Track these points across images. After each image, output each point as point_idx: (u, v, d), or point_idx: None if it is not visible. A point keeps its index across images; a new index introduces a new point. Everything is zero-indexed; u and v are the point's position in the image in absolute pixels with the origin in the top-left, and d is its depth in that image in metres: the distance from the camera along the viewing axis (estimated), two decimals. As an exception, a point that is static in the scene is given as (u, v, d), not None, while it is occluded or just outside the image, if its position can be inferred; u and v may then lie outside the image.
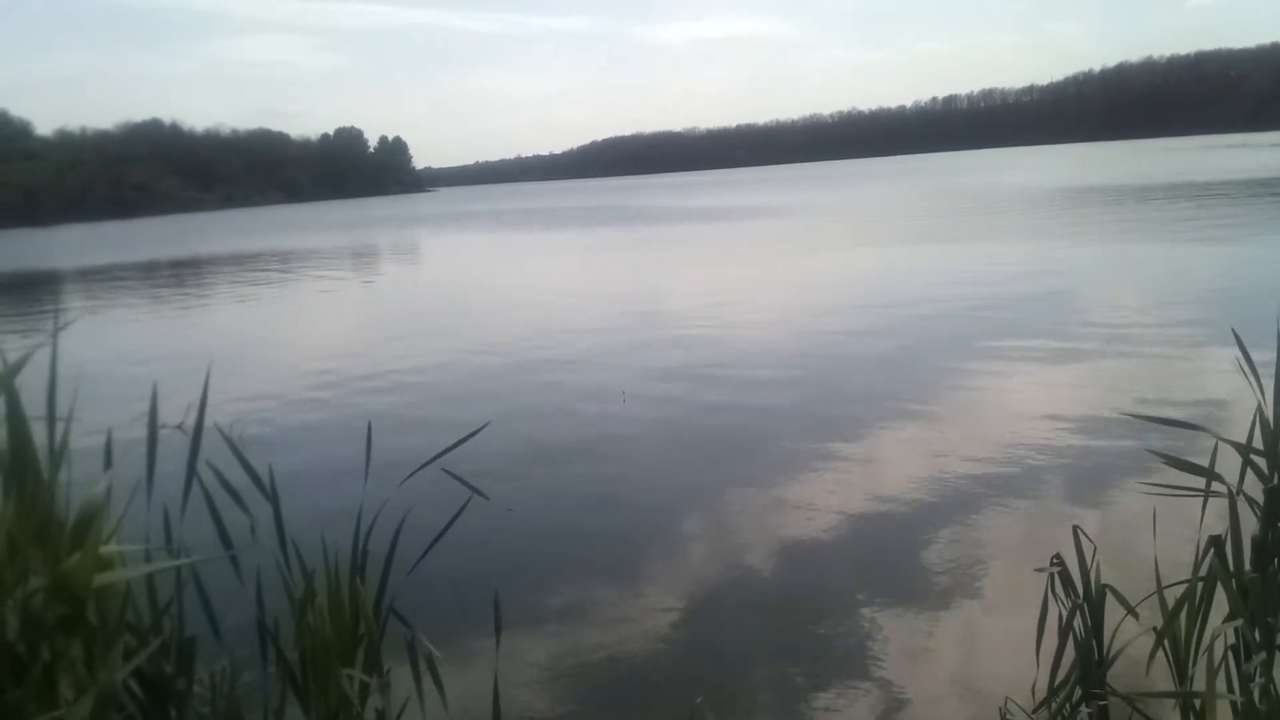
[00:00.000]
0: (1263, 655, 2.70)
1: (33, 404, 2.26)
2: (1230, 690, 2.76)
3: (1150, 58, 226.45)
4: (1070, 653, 2.96)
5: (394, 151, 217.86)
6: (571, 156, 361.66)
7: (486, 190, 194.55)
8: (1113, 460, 6.45)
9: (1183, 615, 2.85)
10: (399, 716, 2.96)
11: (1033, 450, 6.82)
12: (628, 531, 5.92)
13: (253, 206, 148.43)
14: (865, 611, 4.57)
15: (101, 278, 31.39)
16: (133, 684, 2.46)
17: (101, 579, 2.14)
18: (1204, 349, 9.56)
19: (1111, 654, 2.97)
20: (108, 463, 2.61)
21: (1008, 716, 3.38)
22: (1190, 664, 2.88)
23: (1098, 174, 55.99)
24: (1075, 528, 3.14)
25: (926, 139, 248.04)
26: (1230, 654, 2.84)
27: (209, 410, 2.76)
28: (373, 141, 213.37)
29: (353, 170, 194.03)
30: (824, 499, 6.17)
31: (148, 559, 2.52)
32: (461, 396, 10.07)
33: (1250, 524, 3.00)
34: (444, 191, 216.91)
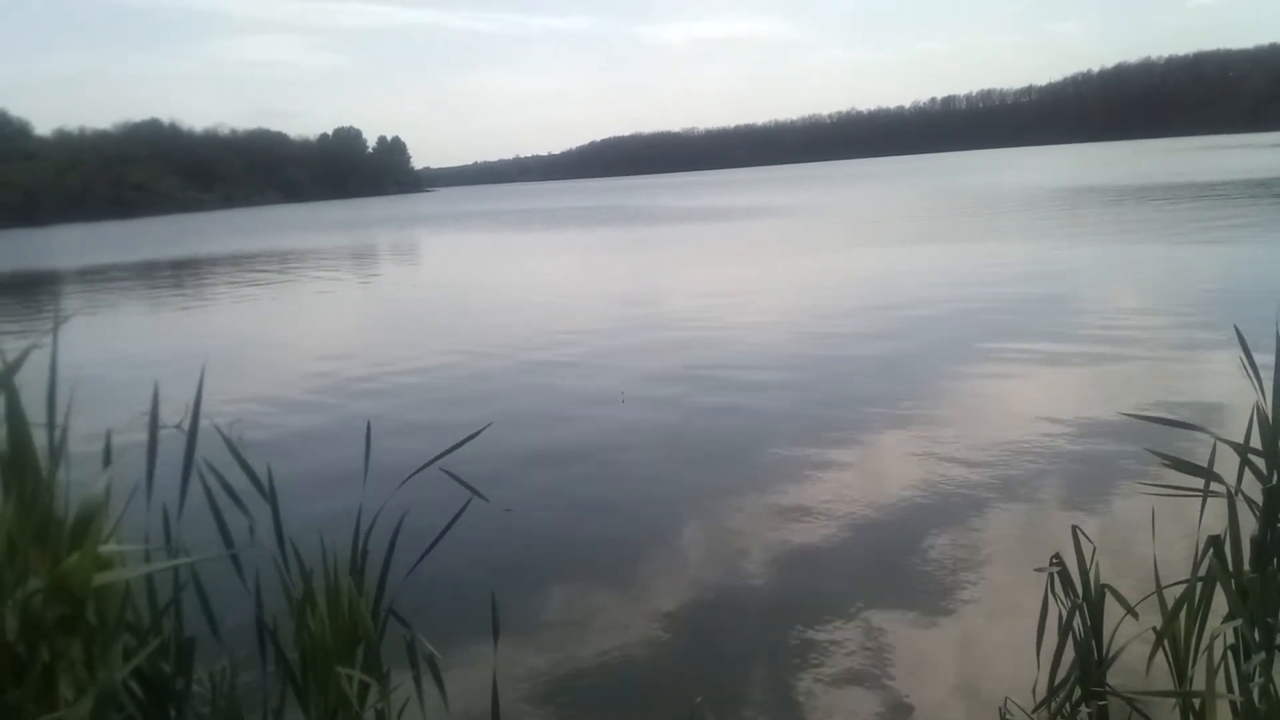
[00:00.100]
0: (1262, 655, 2.70)
1: (32, 404, 2.26)
2: (1230, 690, 2.76)
3: (1149, 58, 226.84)
4: (1070, 653, 2.96)
5: (393, 152, 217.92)
6: (571, 157, 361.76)
7: (486, 190, 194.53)
8: (1112, 460, 6.45)
9: (1182, 615, 2.86)
10: (398, 717, 2.96)
11: (1032, 450, 6.82)
12: (627, 533, 5.92)
13: (252, 206, 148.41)
14: (865, 612, 4.57)
15: (100, 278, 31.38)
16: (132, 684, 2.46)
17: (101, 579, 2.14)
18: (1203, 349, 9.56)
19: (1111, 654, 2.97)
20: (106, 463, 2.61)
21: (1008, 716, 3.38)
22: (1190, 664, 2.88)
23: (1097, 174, 56.02)
24: (1074, 528, 3.14)
25: (926, 139, 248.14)
26: (1229, 654, 2.84)
27: (209, 412, 2.76)
28: (372, 142, 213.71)
29: (352, 170, 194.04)
30: (824, 499, 6.17)
31: (147, 559, 2.52)
32: (461, 398, 10.06)
33: (1249, 524, 3.00)
34: (443, 192, 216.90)
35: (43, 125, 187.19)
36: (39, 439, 2.23)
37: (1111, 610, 2.96)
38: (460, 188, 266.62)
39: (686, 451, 7.53)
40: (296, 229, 62.39)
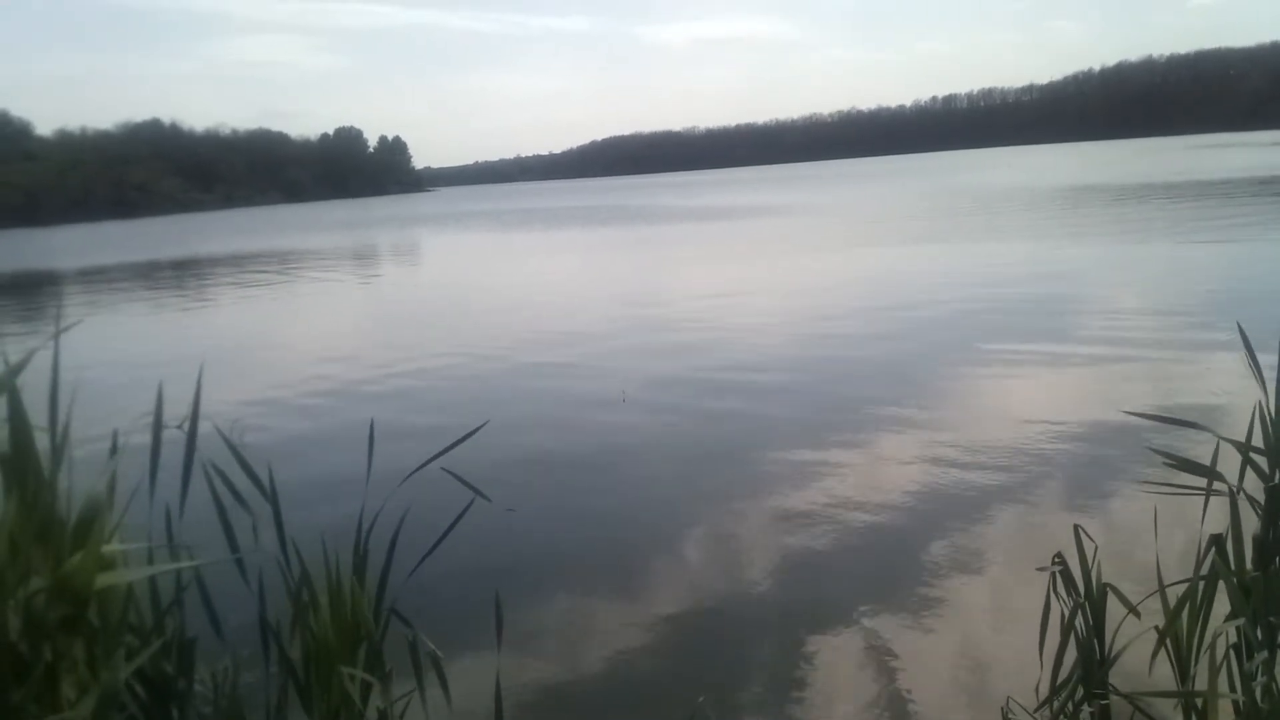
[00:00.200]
0: (1264, 654, 2.70)
1: (33, 405, 2.26)
2: (1232, 689, 2.76)
3: (1150, 57, 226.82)
4: (1072, 652, 2.96)
5: (394, 151, 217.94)
6: (571, 156, 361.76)
7: (486, 190, 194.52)
8: (1114, 460, 6.45)
9: (1184, 614, 2.85)
10: (401, 717, 2.96)
11: (1034, 450, 6.82)
12: (629, 533, 5.92)
13: (253, 206, 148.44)
14: (867, 612, 4.56)
15: (101, 278, 31.40)
16: (134, 684, 2.46)
17: (103, 579, 2.15)
18: (1204, 348, 9.55)
19: (1113, 653, 2.97)
20: (108, 463, 2.61)
21: (1010, 716, 3.38)
22: (1192, 663, 2.87)
23: (1098, 173, 55.98)
24: (1076, 527, 3.14)
25: (926, 138, 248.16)
26: (1232, 653, 2.83)
27: (210, 412, 2.76)
28: (373, 141, 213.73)
29: (353, 170, 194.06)
30: (825, 499, 6.17)
31: (149, 559, 2.52)
32: (461, 398, 10.07)
33: (1252, 522, 3.00)
34: (444, 191, 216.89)
35: (44, 125, 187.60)
36: (40, 439, 2.23)
37: (1114, 609, 2.96)
38: (461, 187, 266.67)
39: (688, 452, 7.53)
40: (297, 229, 62.41)
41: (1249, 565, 2.92)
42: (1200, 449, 3.32)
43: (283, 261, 33.50)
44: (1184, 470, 3.11)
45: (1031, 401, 8.18)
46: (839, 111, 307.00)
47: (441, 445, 3.12)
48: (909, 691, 3.85)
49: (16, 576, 2.06)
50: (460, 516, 3.08)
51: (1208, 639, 2.79)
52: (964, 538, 5.36)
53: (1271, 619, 2.82)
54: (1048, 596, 3.08)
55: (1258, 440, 3.05)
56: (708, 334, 12.65)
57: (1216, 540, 2.87)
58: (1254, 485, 3.04)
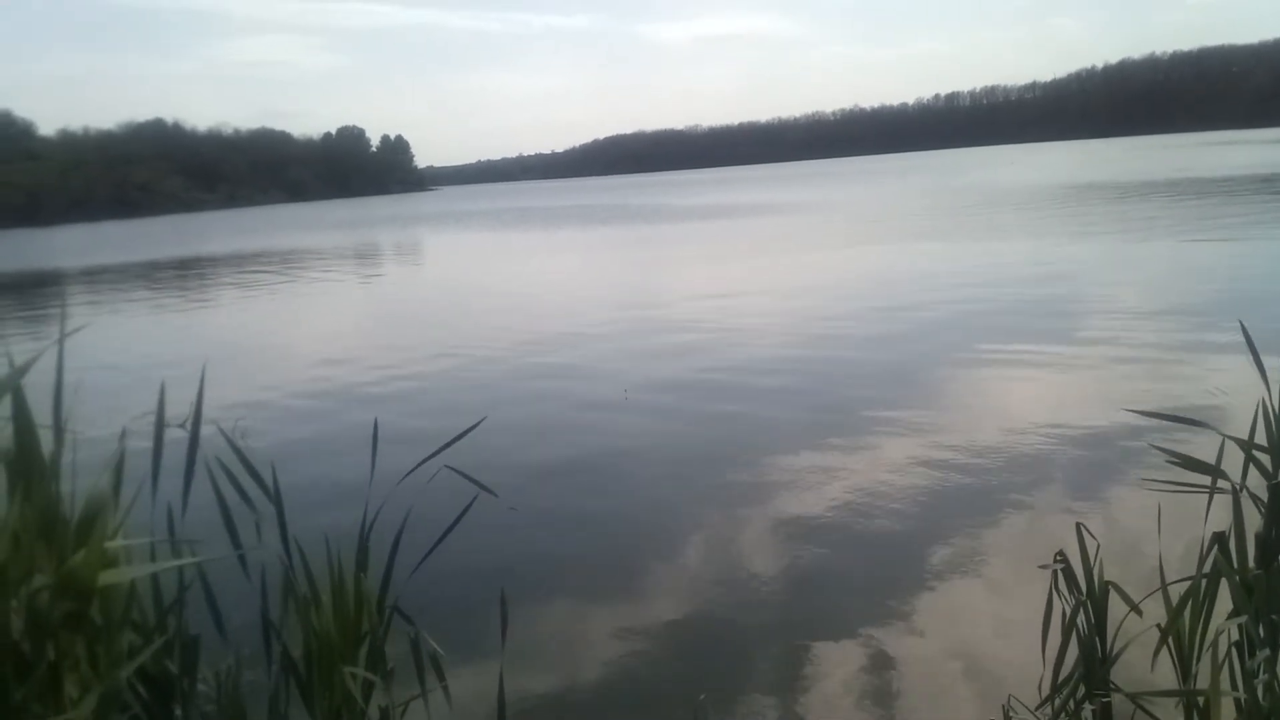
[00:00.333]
0: (1267, 652, 2.70)
1: (37, 404, 2.26)
2: (1234, 687, 2.76)
3: (1153, 54, 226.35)
4: (1074, 650, 2.96)
5: (396, 151, 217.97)
6: (573, 155, 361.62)
7: (488, 189, 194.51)
8: (1116, 457, 6.44)
9: (1186, 612, 2.85)
10: (403, 715, 2.97)
11: (1036, 448, 6.81)
12: (631, 533, 5.93)
13: (256, 206, 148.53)
14: (868, 610, 4.56)
15: (104, 279, 31.44)
16: (137, 682, 2.46)
17: (106, 577, 2.15)
18: (1207, 346, 9.54)
19: (1115, 651, 2.96)
20: (111, 462, 2.61)
21: (1011, 714, 3.38)
22: (1194, 661, 2.87)
23: (1101, 171, 55.90)
24: (1078, 524, 3.14)
25: (929, 136, 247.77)
26: (1234, 651, 2.83)
27: (212, 412, 2.77)
28: (375, 141, 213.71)
29: (355, 169, 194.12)
30: (826, 499, 6.17)
31: (152, 557, 2.52)
32: (462, 398, 10.07)
33: (1254, 520, 3.00)
34: (446, 190, 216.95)
35: (46, 125, 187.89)
36: (44, 438, 2.24)
37: (1115, 607, 2.95)
38: (463, 186, 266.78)
39: (689, 453, 7.53)
40: (300, 228, 62.45)
41: (1251, 563, 2.91)
42: (1203, 447, 3.31)
43: (284, 261, 33.52)
44: (1187, 468, 3.11)
45: (1034, 401, 8.18)
46: (841, 109, 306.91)
47: (443, 442, 3.12)
48: (910, 690, 3.85)
49: (20, 574, 2.06)
50: (464, 513, 3.08)
51: (1210, 637, 2.79)
52: (966, 536, 5.36)
53: (1274, 617, 2.82)
54: (1049, 595, 3.08)
55: (1261, 438, 3.05)
56: (709, 335, 12.64)
57: (1219, 538, 2.86)
58: (1257, 483, 3.03)
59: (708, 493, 6.46)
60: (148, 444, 2.64)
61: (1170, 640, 2.86)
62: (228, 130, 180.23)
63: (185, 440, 2.73)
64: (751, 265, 21.40)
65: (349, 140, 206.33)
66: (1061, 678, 2.99)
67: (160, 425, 2.66)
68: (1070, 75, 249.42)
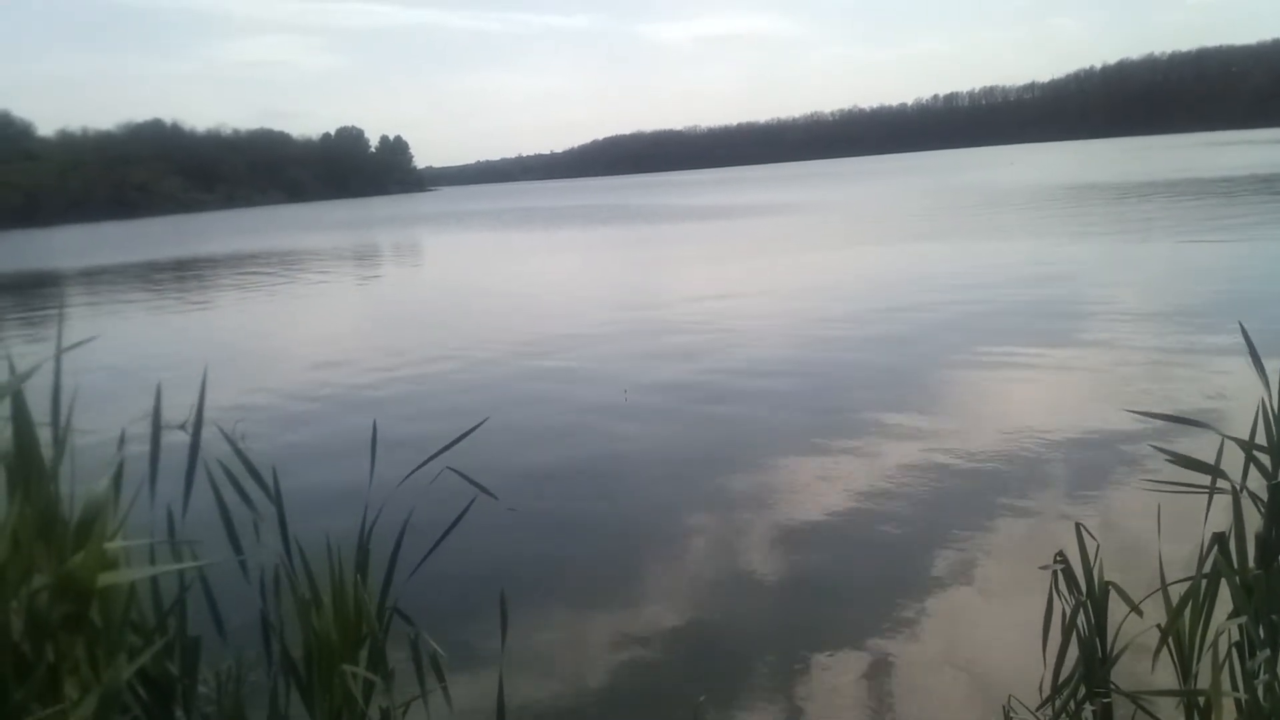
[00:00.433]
0: (1267, 652, 2.70)
1: (36, 405, 2.26)
2: (1234, 688, 2.76)
3: (1152, 55, 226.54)
4: (1074, 650, 2.96)
5: (395, 151, 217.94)
6: (573, 155, 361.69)
7: (487, 189, 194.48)
8: (1116, 458, 6.44)
9: (1186, 612, 2.85)
10: (403, 716, 2.96)
11: (1036, 448, 6.81)
12: (631, 533, 5.93)
13: (255, 206, 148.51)
14: (868, 610, 4.56)
15: (103, 279, 31.42)
16: (137, 684, 2.46)
17: (106, 578, 2.15)
18: (1207, 347, 9.54)
19: (1115, 651, 2.96)
20: (111, 464, 2.61)
21: (1011, 715, 3.37)
22: (1194, 661, 2.87)
23: (1100, 171, 55.92)
24: (1078, 525, 3.14)
25: (928, 137, 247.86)
26: (1234, 651, 2.83)
27: (213, 413, 2.76)
28: (374, 141, 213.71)
29: (354, 170, 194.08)
30: (826, 500, 6.17)
31: (152, 557, 2.52)
32: (462, 403, 10.05)
33: (1254, 520, 3.00)
34: (445, 191, 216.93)
35: (45, 126, 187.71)
36: (44, 439, 2.23)
37: (1116, 608, 2.95)
38: (462, 187, 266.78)
39: (689, 452, 7.53)
40: (299, 229, 62.44)
41: (1251, 563, 2.91)
42: (1203, 448, 3.31)
43: (283, 262, 33.51)
44: (1187, 468, 3.11)
45: (1034, 402, 8.18)
46: (841, 110, 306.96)
47: (444, 444, 3.12)
48: (910, 690, 3.85)
49: (19, 575, 2.06)
50: (463, 513, 3.08)
51: (1210, 637, 2.79)
52: (966, 537, 5.36)
53: (1274, 617, 2.82)
54: (1050, 595, 3.08)
55: (1261, 439, 3.05)
56: (708, 336, 12.63)
57: (1219, 538, 2.86)
58: (1257, 483, 3.03)
59: (707, 494, 6.46)
60: (148, 446, 2.64)
61: (1170, 641, 2.86)
62: (226, 131, 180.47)
63: (185, 442, 2.73)
64: (751, 266, 21.40)
65: (348, 141, 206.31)
66: (1062, 678, 2.99)
67: (157, 427, 2.66)
68: (1069, 76, 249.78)
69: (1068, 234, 22.37)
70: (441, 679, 2.96)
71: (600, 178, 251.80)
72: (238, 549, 2.79)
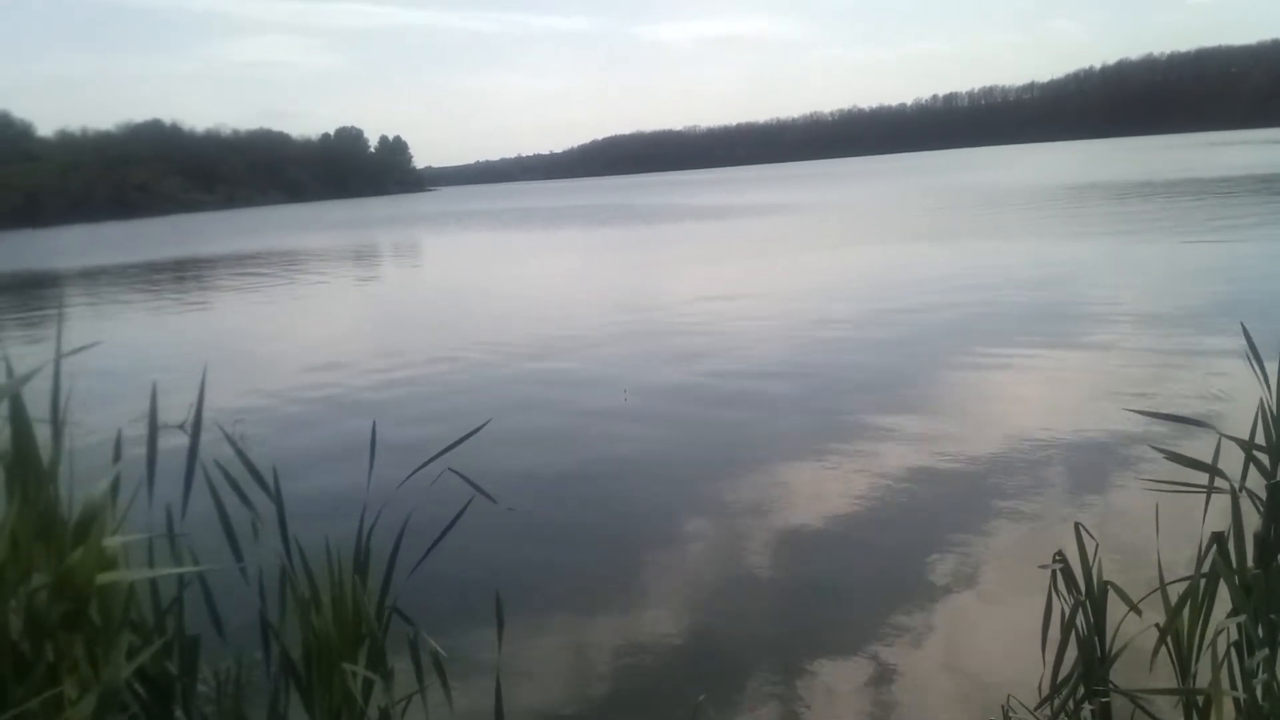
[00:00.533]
0: (1265, 652, 2.70)
1: (35, 404, 2.26)
2: (1233, 687, 2.76)
3: (1151, 55, 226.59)
4: (1073, 650, 2.96)
5: (394, 151, 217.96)
6: (572, 155, 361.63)
7: (487, 190, 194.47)
8: (1116, 457, 6.44)
9: (1185, 612, 2.85)
10: (402, 715, 2.96)
11: (1036, 448, 6.82)
12: (630, 534, 5.93)
13: (254, 207, 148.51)
14: (868, 610, 4.56)
15: (103, 279, 31.41)
16: (136, 683, 2.46)
17: (104, 577, 2.15)
18: (1207, 347, 9.54)
19: (1114, 651, 2.96)
20: (110, 463, 2.61)
21: (1011, 714, 3.38)
22: (1193, 661, 2.87)
23: (1099, 171, 55.93)
24: (1077, 524, 3.14)
25: (927, 137, 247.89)
26: (1233, 650, 2.83)
27: (213, 412, 2.76)
28: (373, 141, 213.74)
29: (354, 170, 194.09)
30: (826, 498, 6.17)
31: (150, 556, 2.52)
32: (460, 405, 10.05)
33: (1253, 520, 3.00)
34: (445, 191, 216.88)
35: (45, 126, 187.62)
36: (43, 438, 2.23)
37: (1115, 607, 2.95)
38: (462, 187, 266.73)
39: (687, 454, 7.53)
40: (298, 229, 62.44)
41: (1250, 563, 2.91)
42: (1203, 447, 3.32)
43: (282, 262, 33.51)
44: (1185, 467, 3.11)
45: (1035, 403, 8.18)
46: (840, 110, 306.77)
47: (443, 445, 3.12)
48: (909, 690, 3.85)
49: (18, 574, 2.06)
50: (461, 513, 3.08)
51: (1209, 637, 2.79)
52: (965, 538, 5.36)
53: (1272, 616, 2.82)
54: (1049, 595, 3.08)
55: (1260, 439, 3.05)
56: (708, 339, 12.62)
57: (1218, 538, 2.86)
58: (1256, 483, 3.04)
59: (705, 496, 6.46)
60: (149, 444, 2.64)
61: (1169, 640, 2.86)
62: (226, 131, 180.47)
63: (185, 443, 2.73)
64: (750, 266, 21.39)
65: (347, 141, 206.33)
66: (1061, 678, 2.99)
67: (154, 427, 2.66)
68: (1068, 76, 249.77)
69: (1067, 234, 22.38)
70: (441, 679, 2.96)
71: (600, 178, 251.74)
72: (237, 549, 2.79)
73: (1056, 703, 2.97)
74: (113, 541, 2.24)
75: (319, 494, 6.55)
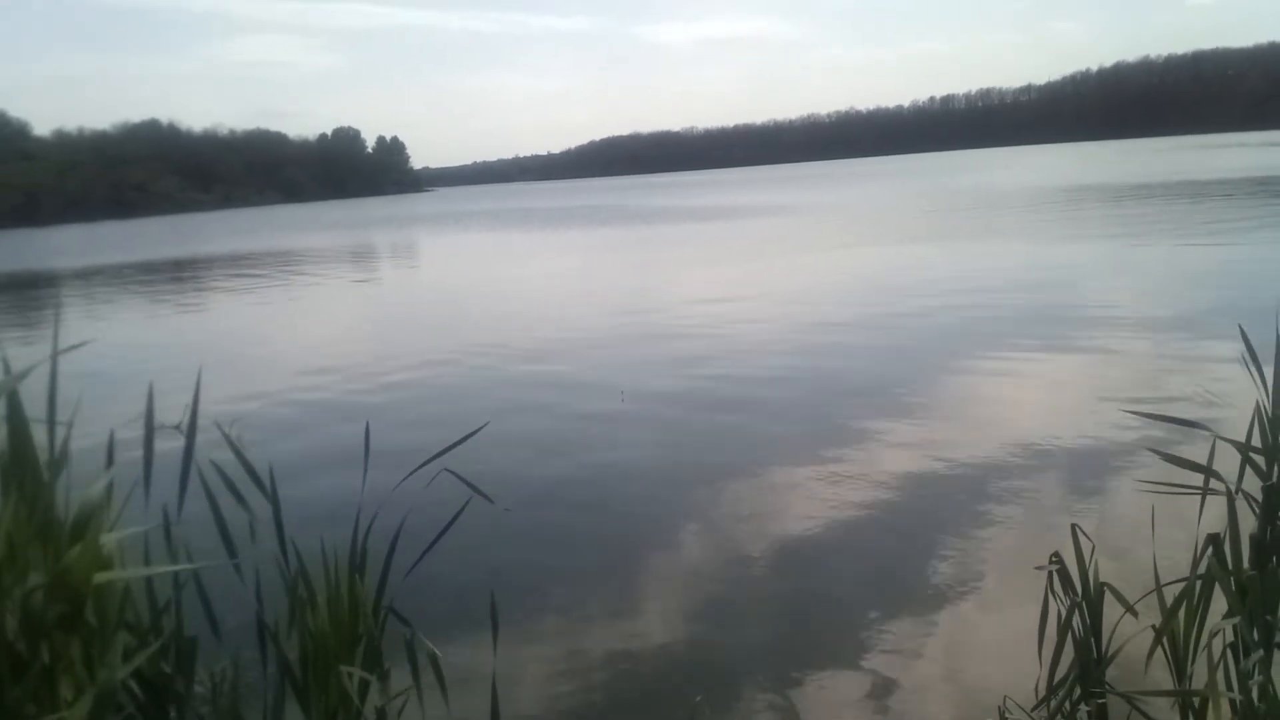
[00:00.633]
0: (1261, 653, 2.71)
1: (32, 404, 2.26)
2: (1229, 688, 2.77)
3: (1148, 57, 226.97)
4: (1069, 651, 2.96)
5: (392, 152, 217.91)
6: (570, 156, 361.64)
7: (485, 190, 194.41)
8: (1112, 459, 6.45)
9: (1181, 613, 2.86)
10: (399, 716, 2.96)
11: (1032, 450, 6.82)
12: (626, 534, 5.92)
13: (251, 207, 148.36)
14: (865, 612, 4.57)
15: (100, 279, 31.36)
16: (132, 684, 2.46)
17: (100, 577, 2.15)
18: (1203, 349, 9.56)
19: (1110, 652, 2.97)
20: (107, 463, 2.61)
21: (1006, 715, 3.38)
22: (1189, 662, 2.88)
23: (1096, 173, 56.01)
24: (1074, 526, 3.14)
25: (924, 138, 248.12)
26: (1229, 652, 2.84)
27: (208, 412, 2.76)
28: (371, 142, 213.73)
29: (351, 170, 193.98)
30: (823, 501, 6.17)
31: (147, 557, 2.52)
32: (459, 401, 10.05)
33: (1249, 522, 3.01)
34: (443, 191, 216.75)
35: (42, 126, 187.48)
36: (40, 438, 2.23)
37: (1111, 608, 2.96)
38: (460, 187, 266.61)
39: (686, 451, 7.53)
40: (295, 229, 62.38)
41: (1246, 564, 2.92)
42: (1199, 449, 3.32)
43: (279, 263, 33.47)
44: (1182, 469, 3.12)
45: (1032, 405, 8.19)
46: (837, 111, 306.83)
47: (440, 446, 3.12)
48: (906, 690, 3.85)
49: (14, 575, 2.06)
50: (459, 514, 3.08)
51: (1204, 638, 2.80)
52: (962, 538, 5.37)
53: (1268, 618, 2.83)
54: (1045, 596, 3.08)
55: (1256, 440, 3.06)
56: (705, 341, 12.60)
57: (1214, 539, 2.87)
58: (1252, 485, 3.04)
59: (703, 499, 6.46)
60: (146, 444, 2.64)
61: (1165, 641, 2.87)
62: (223, 131, 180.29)
63: (181, 443, 2.73)
64: (748, 268, 21.40)
65: (345, 141, 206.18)
66: (1057, 679, 2.99)
67: (150, 428, 2.66)
68: (1065, 78, 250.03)
69: (1064, 237, 22.40)
70: (437, 680, 2.96)
71: (598, 178, 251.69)
72: (233, 549, 2.79)
73: (1053, 704, 2.98)
74: (109, 542, 2.24)
75: (315, 496, 6.55)
